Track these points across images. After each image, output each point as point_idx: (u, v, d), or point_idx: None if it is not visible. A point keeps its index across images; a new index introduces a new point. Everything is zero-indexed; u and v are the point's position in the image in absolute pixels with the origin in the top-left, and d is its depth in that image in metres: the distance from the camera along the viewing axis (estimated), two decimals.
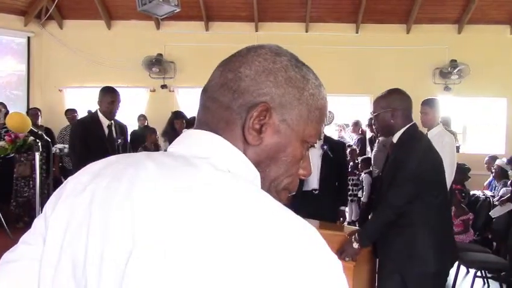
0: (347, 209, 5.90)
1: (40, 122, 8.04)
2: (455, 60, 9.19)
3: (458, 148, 6.85)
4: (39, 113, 7.96)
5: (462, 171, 6.12)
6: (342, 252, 2.67)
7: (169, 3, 5.46)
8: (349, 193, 6.32)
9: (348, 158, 6.63)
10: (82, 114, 8.01)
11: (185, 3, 7.05)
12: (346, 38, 9.59)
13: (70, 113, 8.30)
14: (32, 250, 0.74)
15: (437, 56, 9.36)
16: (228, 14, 9.67)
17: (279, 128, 0.77)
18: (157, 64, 9.52)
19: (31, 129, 3.94)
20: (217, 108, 0.78)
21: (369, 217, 3.10)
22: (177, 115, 6.57)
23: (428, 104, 4.59)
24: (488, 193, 6.45)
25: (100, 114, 4.29)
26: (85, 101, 9.04)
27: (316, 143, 0.85)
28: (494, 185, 6.78)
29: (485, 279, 5.11)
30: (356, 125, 8.72)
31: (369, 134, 8.18)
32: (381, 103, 2.78)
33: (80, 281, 0.65)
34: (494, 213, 5.69)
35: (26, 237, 0.77)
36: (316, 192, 4.38)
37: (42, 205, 3.74)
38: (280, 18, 9.63)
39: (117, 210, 0.64)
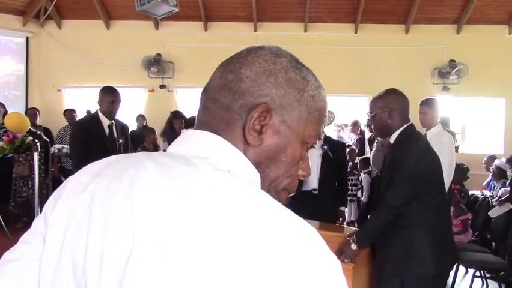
0: (346, 209, 5.90)
1: (39, 122, 8.04)
2: (454, 60, 9.19)
3: (456, 148, 6.87)
4: (37, 113, 7.95)
5: (461, 171, 6.13)
6: (340, 253, 2.66)
7: (168, 3, 5.45)
8: (348, 193, 6.32)
9: (347, 158, 6.64)
10: (80, 114, 8.01)
11: (184, 3, 7.05)
12: (345, 38, 9.60)
13: (69, 113, 8.29)
14: (32, 250, 0.74)
15: (436, 56, 9.36)
16: (227, 14, 9.67)
17: (279, 129, 0.77)
18: (156, 64, 9.51)
19: (30, 129, 3.93)
20: (218, 109, 0.78)
21: (368, 218, 3.09)
22: (176, 115, 6.57)
23: (427, 104, 4.60)
24: (487, 193, 6.46)
25: (100, 114, 4.28)
26: (83, 101, 9.05)
27: (316, 143, 0.85)
28: (493, 185, 6.79)
29: (484, 279, 5.12)
30: (355, 125, 8.72)
31: (368, 134, 8.19)
32: (378, 103, 2.77)
33: (80, 281, 0.65)
34: (493, 213, 5.70)
35: (25, 237, 0.77)
36: (316, 192, 4.39)
37: (41, 205, 3.74)
38: (279, 18, 9.62)
39: (117, 210, 0.64)
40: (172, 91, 9.89)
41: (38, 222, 0.77)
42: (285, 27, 9.63)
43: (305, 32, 9.70)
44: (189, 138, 0.79)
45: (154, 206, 0.62)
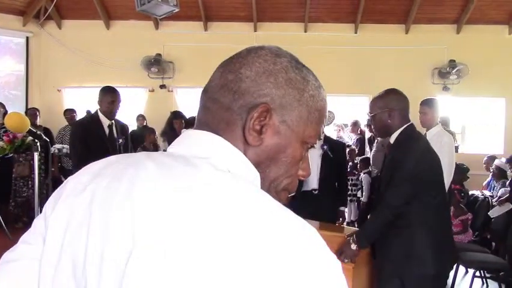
0: (346, 209, 5.90)
1: (39, 122, 8.04)
2: (454, 60, 9.19)
3: (456, 148, 6.87)
4: (37, 113, 7.96)
5: (461, 171, 6.13)
6: (340, 253, 2.66)
7: (168, 3, 5.45)
8: (348, 193, 6.32)
9: (347, 158, 6.64)
10: (80, 114, 8.01)
11: (184, 3, 7.05)
12: (345, 38, 9.60)
13: (69, 113, 8.29)
14: (32, 250, 0.74)
15: (436, 56, 9.36)
16: (227, 14, 9.67)
17: (279, 129, 0.77)
18: (156, 64, 9.51)
19: (30, 129, 3.93)
20: (218, 109, 0.78)
21: (368, 218, 3.09)
22: (176, 115, 6.57)
23: (427, 104, 4.60)
24: (487, 193, 6.46)
25: (100, 114, 4.27)
26: (83, 101, 9.05)
27: (316, 143, 0.85)
28: (493, 185, 6.79)
29: (484, 279, 5.12)
30: (355, 125, 8.72)
31: (368, 134, 8.18)
32: (378, 103, 2.76)
33: (80, 281, 0.65)
34: (493, 213, 5.70)
35: (26, 237, 0.77)
36: (316, 192, 4.39)
37: (41, 205, 3.74)
38: (279, 18, 9.62)
39: (117, 210, 0.64)
40: (172, 91, 9.89)
41: (38, 222, 0.77)
42: (285, 27, 9.63)
43: (305, 32, 9.70)
44: (189, 138, 0.79)
45: (154, 206, 0.62)
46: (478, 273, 4.89)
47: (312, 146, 0.84)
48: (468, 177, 6.70)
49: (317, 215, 3.44)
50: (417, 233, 2.57)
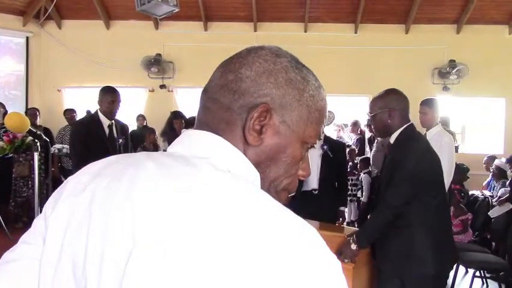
0: (346, 209, 5.90)
1: (39, 122, 8.04)
2: (454, 60, 9.19)
3: (456, 148, 6.86)
4: (37, 113, 7.95)
5: (461, 171, 6.13)
6: (340, 253, 2.66)
7: (168, 3, 5.45)
8: (348, 193, 6.32)
9: (347, 158, 6.64)
10: (80, 114, 8.01)
11: (184, 3, 7.05)
12: (345, 38, 9.60)
13: (69, 113, 8.28)
14: (32, 250, 0.74)
15: (436, 56, 9.36)
16: (227, 14, 9.67)
17: (279, 129, 0.77)
18: (156, 64, 9.51)
19: (30, 129, 3.93)
20: (218, 109, 0.78)
21: (368, 218, 3.09)
22: (176, 115, 6.56)
23: (427, 104, 4.60)
24: (487, 193, 6.46)
25: (100, 114, 4.27)
26: (83, 101, 9.05)
27: (316, 143, 0.85)
28: (493, 185, 6.79)
29: (484, 279, 5.12)
30: (355, 125, 8.72)
31: (368, 134, 8.18)
32: (378, 103, 2.76)
33: (80, 281, 0.65)
34: (493, 213, 5.70)
35: (25, 237, 0.77)
36: (316, 192, 4.38)
37: (41, 205, 3.74)
38: (279, 18, 9.62)
39: (117, 210, 0.64)
40: (172, 91, 9.89)
41: (38, 222, 0.77)
42: (285, 27, 9.62)
43: (305, 32, 9.70)
44: (189, 138, 0.79)
45: (154, 206, 0.62)
46: (478, 273, 4.89)
47: (312, 146, 0.84)
48: (468, 177, 6.70)
49: (317, 215, 3.44)
50: (417, 233, 2.56)
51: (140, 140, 7.18)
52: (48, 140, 4.18)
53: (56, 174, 7.26)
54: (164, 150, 0.85)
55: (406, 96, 2.78)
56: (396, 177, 2.60)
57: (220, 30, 9.71)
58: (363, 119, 8.26)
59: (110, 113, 4.26)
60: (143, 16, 7.63)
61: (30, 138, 5.01)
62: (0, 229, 5.86)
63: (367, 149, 8.12)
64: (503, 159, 6.97)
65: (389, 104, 2.72)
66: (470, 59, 9.07)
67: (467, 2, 8.95)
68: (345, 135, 9.15)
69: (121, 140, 4.32)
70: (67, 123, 8.05)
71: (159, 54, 9.57)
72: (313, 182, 4.39)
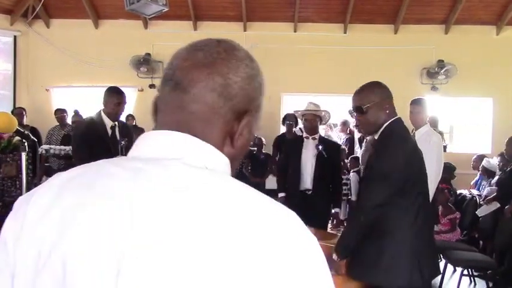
0: (340, 210, 5.86)
1: (26, 121, 7.94)
2: (442, 61, 9.25)
3: (445, 148, 6.90)
4: (24, 113, 7.85)
5: (447, 169, 6.16)
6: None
7: (157, 2, 5.43)
8: None
9: None
10: (69, 114, 7.95)
11: (174, 2, 7.01)
12: (334, 38, 9.61)
13: (59, 113, 8.16)
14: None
15: (425, 56, 9.41)
16: (216, 14, 9.65)
17: (253, 128, 0.82)
18: (145, 64, 9.47)
19: (18, 129, 3.90)
20: (200, 109, 0.76)
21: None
22: None
23: (419, 103, 4.59)
24: (475, 192, 6.50)
25: (103, 115, 4.18)
26: (72, 101, 9.00)
27: None
28: (480, 184, 6.84)
29: (471, 278, 5.16)
30: (344, 124, 8.75)
31: (357, 134, 8.20)
32: (368, 97, 2.70)
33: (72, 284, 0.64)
34: (481, 212, 5.74)
35: None
36: (310, 192, 4.37)
37: None
38: (269, 18, 9.62)
39: (116, 211, 0.64)
40: None
41: None
42: (275, 27, 9.62)
43: (295, 31, 9.70)
44: (154, 139, 0.77)
45: (153, 206, 0.63)
46: (465, 272, 4.93)
47: None
48: (455, 176, 6.74)
49: (310, 215, 3.41)
50: (390, 242, 2.42)
51: None
52: (36, 140, 4.14)
53: (42, 174, 7.17)
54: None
55: (389, 89, 2.71)
56: (369, 178, 2.54)
57: (210, 29, 9.69)
58: (352, 119, 8.26)
59: (116, 115, 4.20)
60: (133, 15, 7.60)
61: (17, 138, 4.96)
62: None
63: (357, 149, 8.14)
64: (495, 159, 6.81)
65: (376, 98, 2.64)
66: (459, 59, 9.12)
67: (455, 3, 9.00)
68: (334, 134, 9.16)
69: (123, 142, 4.25)
70: (56, 123, 7.96)
71: (148, 54, 9.53)
72: (307, 182, 4.38)
